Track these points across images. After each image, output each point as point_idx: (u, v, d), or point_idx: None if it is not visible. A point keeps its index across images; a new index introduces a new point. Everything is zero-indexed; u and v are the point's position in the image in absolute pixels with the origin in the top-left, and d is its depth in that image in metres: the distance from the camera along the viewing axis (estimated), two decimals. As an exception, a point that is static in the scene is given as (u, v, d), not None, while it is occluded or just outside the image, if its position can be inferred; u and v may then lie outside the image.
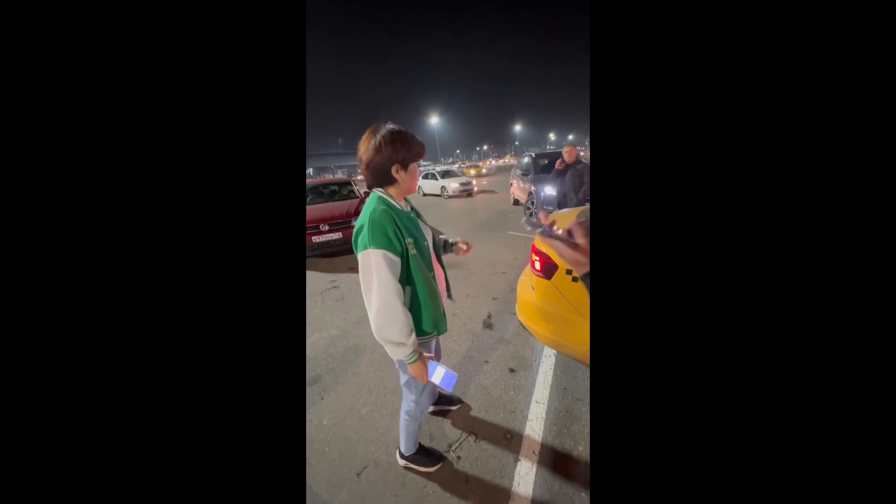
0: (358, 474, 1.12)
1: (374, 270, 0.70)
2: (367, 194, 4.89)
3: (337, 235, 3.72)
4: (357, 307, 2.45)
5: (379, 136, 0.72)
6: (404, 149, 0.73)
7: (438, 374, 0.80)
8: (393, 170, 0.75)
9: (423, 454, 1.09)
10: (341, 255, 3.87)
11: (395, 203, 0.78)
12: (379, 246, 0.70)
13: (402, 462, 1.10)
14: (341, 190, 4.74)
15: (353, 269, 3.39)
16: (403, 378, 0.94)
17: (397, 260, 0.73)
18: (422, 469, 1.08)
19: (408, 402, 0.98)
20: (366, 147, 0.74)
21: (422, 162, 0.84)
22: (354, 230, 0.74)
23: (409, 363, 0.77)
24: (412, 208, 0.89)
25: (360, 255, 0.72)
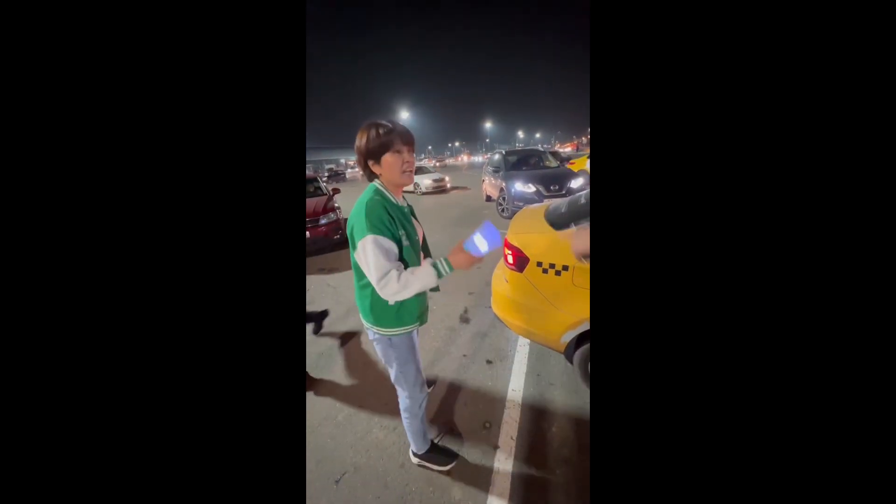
0: (336, 481, 1.08)
1: (374, 256, 0.70)
2: (335, 191, 4.67)
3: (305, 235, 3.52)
4: (329, 309, 2.34)
5: (365, 128, 0.77)
6: (369, 141, 0.75)
7: (482, 243, 0.75)
8: (369, 164, 0.78)
9: (436, 452, 1.10)
10: (309, 255, 3.66)
11: (388, 195, 0.79)
12: (376, 231, 0.71)
13: (415, 460, 1.10)
14: (307, 187, 4.48)
15: (323, 270, 3.23)
16: (392, 374, 0.93)
17: (395, 245, 0.74)
18: (435, 467, 1.08)
19: (402, 399, 0.98)
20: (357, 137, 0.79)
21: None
22: (348, 223, 0.76)
23: (451, 270, 0.76)
24: (408, 205, 0.90)
25: (360, 244, 0.72)
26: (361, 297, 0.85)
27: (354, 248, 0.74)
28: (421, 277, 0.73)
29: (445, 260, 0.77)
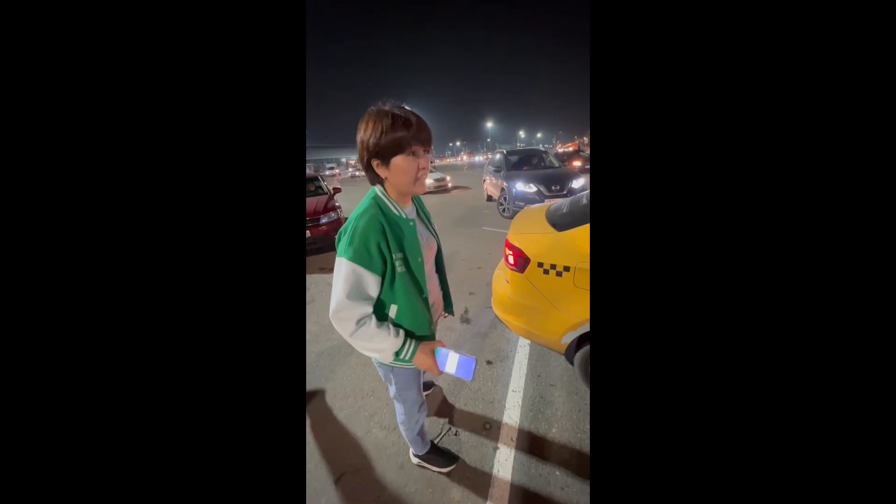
0: (336, 482, 1.08)
1: (343, 284, 0.60)
2: (336, 190, 4.67)
3: (305, 234, 3.51)
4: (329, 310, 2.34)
5: (369, 117, 0.58)
6: (380, 135, 0.57)
7: (452, 363, 0.65)
8: (373, 165, 0.61)
9: (437, 454, 1.08)
10: (310, 254, 3.67)
11: (391, 207, 0.64)
12: (355, 260, 0.59)
13: (415, 461, 1.09)
14: (307, 186, 4.47)
15: (324, 269, 3.23)
16: (392, 390, 0.84)
17: (373, 279, 0.62)
18: (435, 469, 1.07)
19: (399, 414, 0.93)
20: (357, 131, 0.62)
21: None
22: (341, 227, 0.65)
23: (407, 361, 0.67)
24: (420, 212, 0.76)
25: (336, 260, 0.62)
26: None
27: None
28: (380, 343, 0.62)
29: (415, 347, 0.67)
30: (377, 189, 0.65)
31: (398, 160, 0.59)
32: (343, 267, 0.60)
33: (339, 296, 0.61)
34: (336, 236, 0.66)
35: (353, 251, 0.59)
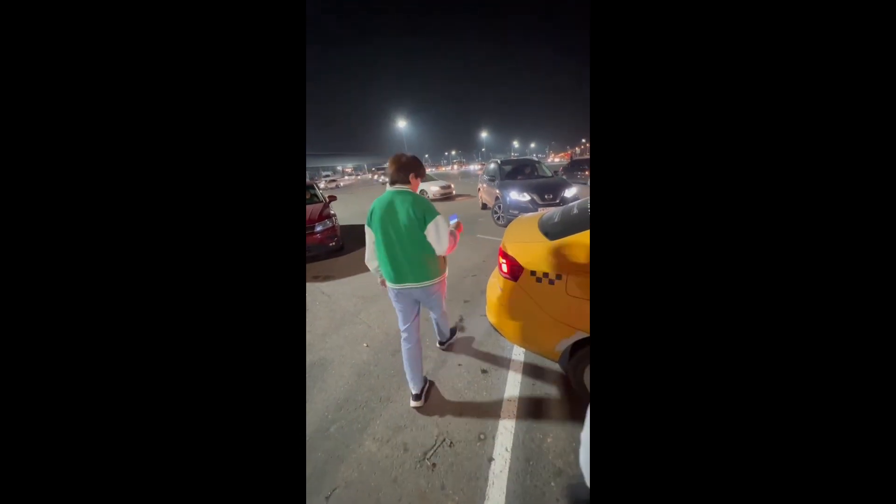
0: (327, 498, 1.05)
1: (444, 229, 1.21)
2: (331, 198, 4.68)
3: (299, 242, 3.49)
4: (323, 318, 2.31)
5: (408, 155, 1.30)
6: (416, 167, 1.29)
7: (454, 218, 1.49)
8: (410, 175, 1.27)
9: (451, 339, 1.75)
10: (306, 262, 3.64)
11: None
12: (438, 212, 1.22)
13: (415, 403, 1.41)
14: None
15: (318, 277, 3.20)
16: (439, 310, 1.53)
17: None
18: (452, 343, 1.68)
19: (440, 320, 1.67)
20: (397, 158, 1.27)
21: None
22: (410, 215, 1.18)
23: (454, 226, 1.40)
24: None
25: (434, 222, 1.19)
26: (422, 264, 1.25)
27: (424, 226, 1.19)
28: (454, 243, 1.30)
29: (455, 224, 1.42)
30: (407, 188, 1.26)
31: (418, 180, 1.31)
32: (441, 220, 1.21)
33: (448, 236, 1.23)
34: (417, 215, 1.18)
35: (436, 211, 1.22)
